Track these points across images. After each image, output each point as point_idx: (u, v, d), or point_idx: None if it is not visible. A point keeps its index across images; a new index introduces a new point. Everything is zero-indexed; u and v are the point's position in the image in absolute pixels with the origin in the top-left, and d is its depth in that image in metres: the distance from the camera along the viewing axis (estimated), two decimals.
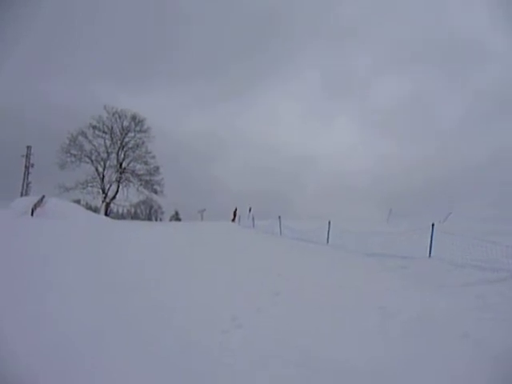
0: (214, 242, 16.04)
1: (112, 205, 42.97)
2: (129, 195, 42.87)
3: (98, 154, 41.60)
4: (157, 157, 43.09)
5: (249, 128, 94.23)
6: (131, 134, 42.55)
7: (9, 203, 25.83)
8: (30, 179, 39.31)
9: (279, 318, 5.86)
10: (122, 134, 42.14)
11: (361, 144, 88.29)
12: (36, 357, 4.09)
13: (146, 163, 42.98)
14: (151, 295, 6.78)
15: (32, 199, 27.39)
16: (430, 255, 10.88)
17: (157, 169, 43.10)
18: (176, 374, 4.02)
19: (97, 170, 41.65)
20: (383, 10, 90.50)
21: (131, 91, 69.15)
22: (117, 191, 42.21)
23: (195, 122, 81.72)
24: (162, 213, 60.31)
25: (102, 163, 41.79)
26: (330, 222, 16.29)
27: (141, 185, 42.80)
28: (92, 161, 41.42)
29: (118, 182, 42.09)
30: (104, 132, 41.53)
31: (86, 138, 40.91)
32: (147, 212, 62.42)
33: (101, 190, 41.41)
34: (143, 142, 42.77)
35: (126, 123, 42.17)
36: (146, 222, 37.54)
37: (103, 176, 41.71)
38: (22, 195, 36.47)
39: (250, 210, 29.39)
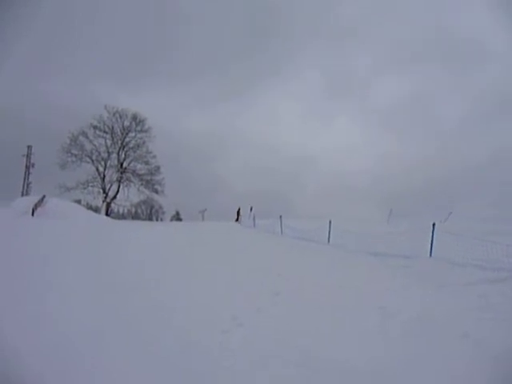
0: (215, 241, 16.02)
1: (113, 205, 42.95)
2: (129, 195, 42.84)
3: (99, 153, 41.59)
4: (157, 157, 43.09)
5: (249, 128, 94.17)
6: (132, 134, 42.53)
7: (9, 203, 25.83)
8: (30, 179, 39.28)
9: (279, 317, 5.86)
10: (122, 133, 42.11)
11: (361, 144, 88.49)
12: (36, 357, 4.09)
13: (146, 163, 42.96)
14: (151, 295, 6.77)
15: (32, 199, 27.40)
16: (430, 255, 10.91)
17: (157, 168, 43.10)
18: (176, 373, 4.02)
19: (97, 169, 41.64)
20: (383, 9, 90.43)
21: (131, 91, 69.23)
22: (117, 191, 42.20)
23: (195, 121, 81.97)
24: (163, 213, 60.44)
25: (102, 163, 41.77)
26: (330, 222, 16.34)
27: (141, 185, 42.78)
28: (93, 161, 41.41)
29: (119, 181, 42.07)
30: (105, 132, 41.50)
31: (87, 137, 40.88)
32: (148, 212, 62.48)
33: (101, 190, 41.40)
34: (144, 142, 42.74)
35: (126, 123, 42.16)
36: (147, 222, 37.53)
37: (104, 176, 41.69)
38: (22, 195, 36.48)
39: (251, 210, 29.40)
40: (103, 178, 41.55)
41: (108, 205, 41.28)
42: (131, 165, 42.84)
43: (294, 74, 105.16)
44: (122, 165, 42.17)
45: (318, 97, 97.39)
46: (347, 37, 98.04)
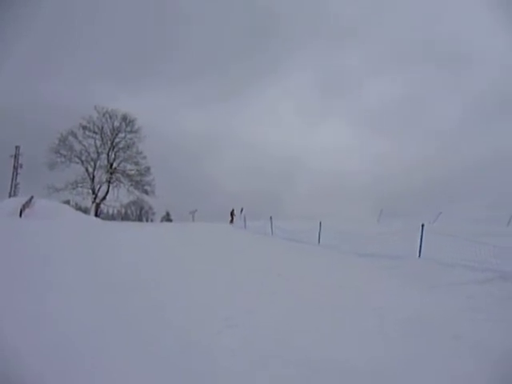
0: (207, 243, 16.07)
1: (102, 205, 42.62)
2: (119, 196, 42.58)
3: (88, 154, 41.24)
4: (148, 157, 42.90)
5: (242, 128, 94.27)
6: (122, 135, 42.26)
7: None
8: (18, 180, 38.82)
9: (279, 318, 5.91)
10: (112, 134, 41.80)
11: (355, 144, 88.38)
12: (36, 357, 4.09)
13: (136, 163, 42.73)
14: (151, 295, 6.79)
15: (20, 200, 27.12)
16: (419, 255, 11.08)
17: (148, 169, 42.88)
18: (176, 373, 4.03)
19: (87, 170, 41.26)
20: (383, 9, 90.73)
21: (131, 91, 68.88)
22: (107, 192, 41.86)
23: (190, 121, 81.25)
24: (153, 213, 60.02)
25: (92, 163, 41.41)
26: (320, 223, 16.46)
27: (131, 185, 42.51)
28: (82, 161, 41.03)
29: (109, 182, 41.73)
30: (94, 132, 41.13)
31: (76, 138, 40.57)
32: (138, 213, 62.03)
33: (91, 191, 41.01)
34: (134, 143, 42.50)
35: (116, 123, 41.86)
36: (137, 223, 37.30)
37: (93, 176, 41.32)
38: (10, 196, 36.02)
39: (241, 211, 29.42)
40: (93, 179, 41.20)
41: (97, 206, 40.93)
42: (121, 165, 42.60)
43: (288, 74, 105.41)
44: (111, 165, 41.86)
45: (311, 96, 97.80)
46: (347, 37, 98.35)
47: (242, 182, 79.24)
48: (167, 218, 57.48)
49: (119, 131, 42.07)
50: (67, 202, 39.19)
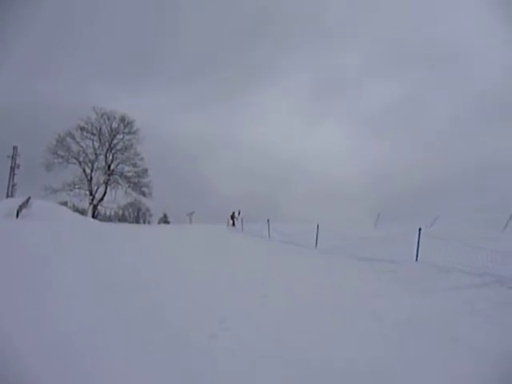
0: (205, 244, 16.10)
1: (99, 207, 42.56)
2: (117, 197, 42.63)
3: (86, 155, 41.28)
4: (145, 159, 43.00)
5: (238, 130, 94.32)
6: (120, 136, 42.36)
7: None
8: (15, 180, 38.69)
9: (279, 317, 5.95)
10: (110, 135, 41.86)
11: (355, 145, 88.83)
12: (36, 357, 4.09)
13: (134, 165, 42.81)
14: (151, 295, 6.80)
15: (17, 201, 27.04)
16: (416, 259, 11.12)
17: (145, 171, 42.97)
18: (176, 373, 4.04)
19: (84, 171, 41.28)
20: (383, 9, 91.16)
21: (131, 91, 68.98)
22: (104, 193, 41.88)
23: (187, 122, 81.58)
24: (151, 215, 60.08)
25: (89, 165, 41.44)
26: (318, 226, 16.47)
27: (129, 187, 42.57)
28: (80, 162, 41.05)
29: (106, 183, 41.74)
30: (92, 133, 41.22)
31: (74, 139, 40.54)
32: (135, 214, 61.96)
33: (88, 192, 41.02)
34: (132, 144, 42.64)
35: (114, 125, 41.96)
36: (134, 225, 37.22)
37: (91, 178, 41.33)
38: (7, 197, 35.89)
39: (239, 214, 29.39)
40: (90, 180, 41.20)
41: (95, 207, 40.88)
42: (119, 167, 42.67)
43: (284, 76, 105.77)
44: (109, 167, 41.86)
45: (311, 97, 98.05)
46: (346, 37, 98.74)
47: (239, 185, 79.65)
48: (164, 220, 57.51)
49: (117, 132, 42.15)
50: (64, 204, 39.12)
